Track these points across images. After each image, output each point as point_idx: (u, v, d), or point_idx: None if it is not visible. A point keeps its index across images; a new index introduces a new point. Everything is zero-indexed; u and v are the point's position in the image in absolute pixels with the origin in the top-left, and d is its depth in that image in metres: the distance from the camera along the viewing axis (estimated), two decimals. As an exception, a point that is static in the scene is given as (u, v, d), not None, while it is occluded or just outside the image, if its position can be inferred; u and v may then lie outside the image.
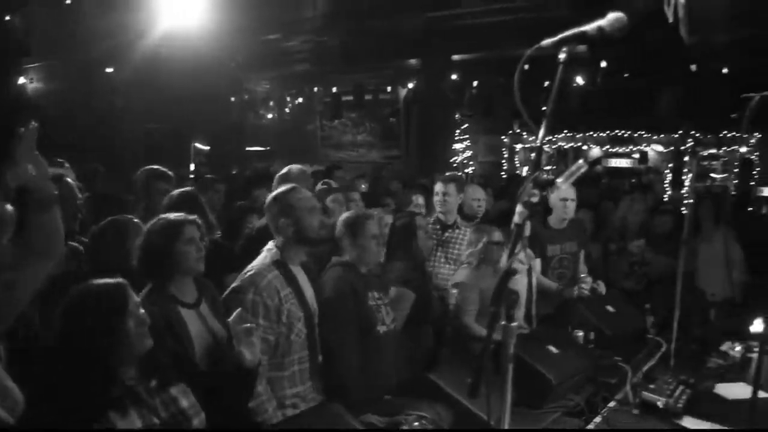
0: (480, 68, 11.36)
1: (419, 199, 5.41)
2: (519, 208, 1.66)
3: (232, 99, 13.78)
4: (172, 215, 2.59)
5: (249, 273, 2.82)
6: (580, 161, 1.90)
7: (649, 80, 10.25)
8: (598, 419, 2.91)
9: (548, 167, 12.25)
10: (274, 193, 3.03)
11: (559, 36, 1.75)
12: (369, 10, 9.11)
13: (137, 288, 2.39)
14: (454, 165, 12.63)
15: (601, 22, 1.71)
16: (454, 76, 11.69)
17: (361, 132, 14.67)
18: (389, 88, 12.97)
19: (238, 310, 2.44)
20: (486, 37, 9.11)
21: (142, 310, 1.99)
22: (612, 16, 1.70)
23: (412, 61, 11.74)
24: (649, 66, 9.22)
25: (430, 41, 9.99)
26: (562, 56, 1.73)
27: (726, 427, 2.93)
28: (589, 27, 1.72)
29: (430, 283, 4.34)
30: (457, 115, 12.97)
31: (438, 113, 11.91)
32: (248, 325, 2.39)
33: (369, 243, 3.24)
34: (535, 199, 1.66)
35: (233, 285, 2.82)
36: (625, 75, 10.27)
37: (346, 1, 9.47)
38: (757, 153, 10.89)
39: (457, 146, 13.26)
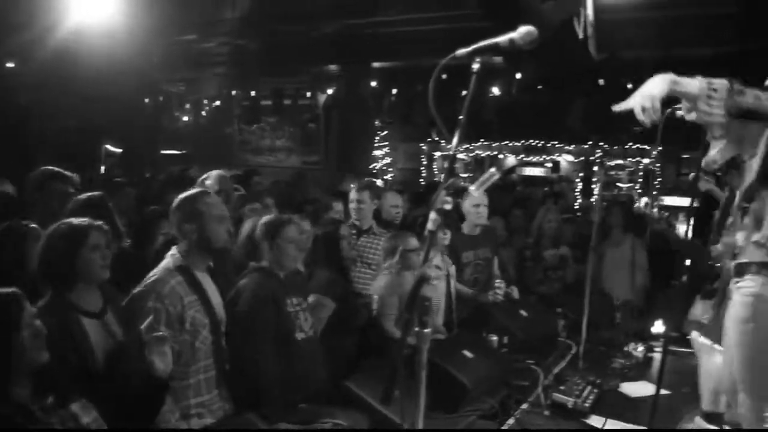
0: (399, 76, 11.49)
1: (339, 205, 5.41)
2: (432, 215, 1.68)
3: (146, 100, 13.30)
4: (76, 220, 2.47)
5: (150, 279, 2.72)
6: (492, 169, 1.95)
7: (561, 93, 10.68)
8: (511, 421, 2.99)
9: (465, 175, 12.52)
10: (180, 197, 2.93)
11: (473, 46, 1.80)
12: (288, 13, 9.03)
13: (36, 296, 2.26)
14: (374, 172, 12.70)
15: (513, 35, 1.76)
16: (373, 83, 11.76)
17: (280, 137, 14.50)
18: (309, 93, 12.88)
19: (149, 318, 2.36)
20: (405, 45, 9.23)
21: (38, 321, 1.88)
22: (523, 29, 1.75)
23: (332, 67, 11.73)
24: (561, 79, 9.61)
25: (350, 47, 10.01)
26: (475, 66, 1.78)
27: (629, 424, 3.07)
28: (502, 39, 1.77)
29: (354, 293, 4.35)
30: (376, 122, 13.05)
31: (357, 120, 11.94)
32: (160, 333, 2.31)
33: (287, 246, 3.22)
34: (448, 207, 1.69)
35: (134, 291, 2.70)
36: (539, 87, 10.65)
37: (266, 3, 9.35)
38: (659, 164, 11.53)
39: (377, 153, 13.34)
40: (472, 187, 1.71)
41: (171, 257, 2.82)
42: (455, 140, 1.77)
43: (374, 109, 12.19)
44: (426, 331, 1.59)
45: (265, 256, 3.22)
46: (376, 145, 13.20)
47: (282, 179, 8.60)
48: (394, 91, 12.10)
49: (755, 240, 2.30)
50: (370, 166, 12.67)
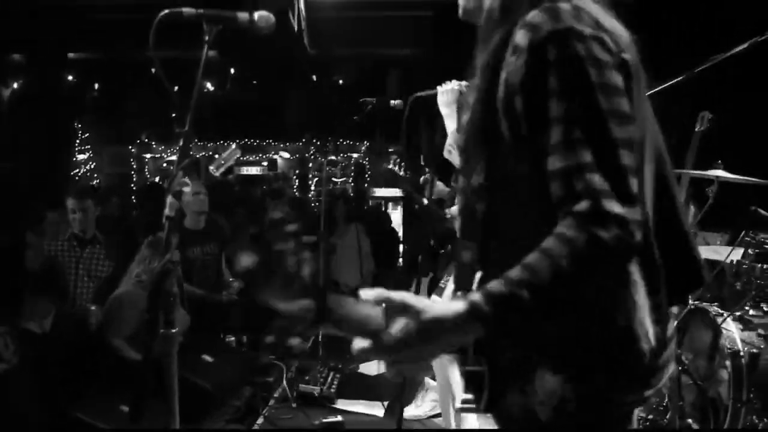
0: (105, 69, 10.42)
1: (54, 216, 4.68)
2: (170, 199, 1.52)
3: None
4: None
5: None
6: (233, 146, 1.82)
7: (276, 89, 10.72)
8: (260, 420, 2.88)
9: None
10: None
11: (205, 10, 1.72)
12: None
13: None
14: (77, 178, 11.41)
15: (254, 15, 1.73)
16: (71, 77, 10.53)
17: (-54, 138, 12.18)
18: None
19: None
20: (107, 35, 8.33)
21: None
22: (264, 12, 1.75)
23: (17, 56, 10.16)
24: (276, 75, 9.62)
25: (41, 34, 8.75)
26: (207, 32, 1.71)
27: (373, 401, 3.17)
28: (241, 15, 1.72)
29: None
30: (76, 122, 11.69)
31: (53, 119, 10.55)
32: None
33: None
34: (187, 189, 1.55)
35: None
36: (254, 82, 10.52)
37: None
38: (367, 158, 12.32)
39: (81, 157, 11.98)
40: (211, 167, 1.56)
41: None
42: (189, 118, 1.71)
43: (74, 107, 10.89)
44: (174, 331, 1.40)
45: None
46: (77, 148, 11.85)
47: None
48: (97, 86, 10.99)
49: None
50: (73, 172, 11.36)
